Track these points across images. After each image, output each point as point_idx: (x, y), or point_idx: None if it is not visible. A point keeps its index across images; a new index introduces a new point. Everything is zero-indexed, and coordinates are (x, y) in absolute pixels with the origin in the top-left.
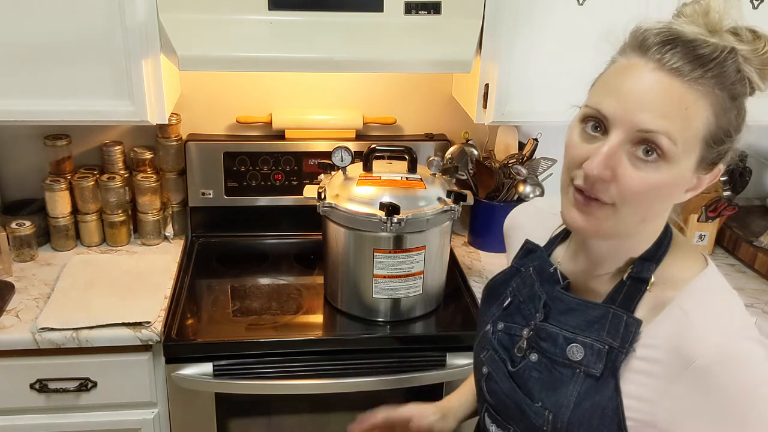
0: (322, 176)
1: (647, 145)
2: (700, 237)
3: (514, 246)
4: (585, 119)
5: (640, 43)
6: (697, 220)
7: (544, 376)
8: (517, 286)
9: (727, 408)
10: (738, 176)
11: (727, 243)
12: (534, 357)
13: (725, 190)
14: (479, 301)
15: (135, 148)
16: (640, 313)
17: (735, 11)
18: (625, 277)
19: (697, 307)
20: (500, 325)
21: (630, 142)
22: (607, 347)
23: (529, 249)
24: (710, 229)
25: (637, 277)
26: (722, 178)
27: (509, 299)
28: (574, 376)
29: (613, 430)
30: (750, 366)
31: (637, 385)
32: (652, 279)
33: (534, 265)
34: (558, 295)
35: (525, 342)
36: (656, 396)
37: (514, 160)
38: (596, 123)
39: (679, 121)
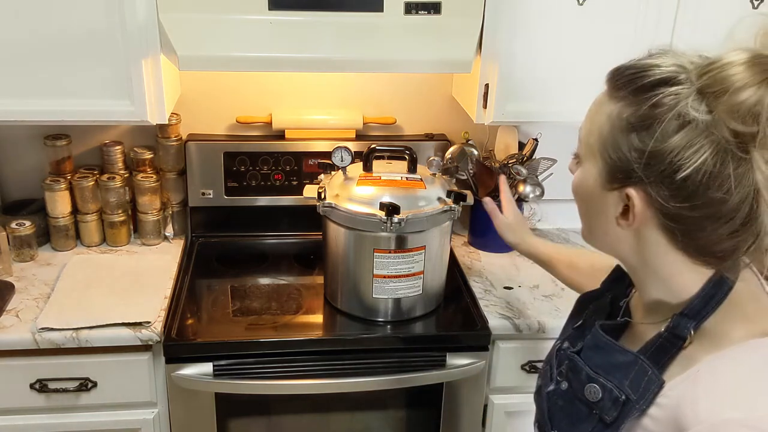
0: (322, 176)
1: None
2: None
3: None
4: None
5: None
6: None
7: (566, 407)
8: (594, 310)
9: None
10: None
11: None
12: (564, 385)
13: None
14: (479, 300)
15: (135, 148)
16: (670, 369)
17: None
18: (663, 329)
19: (710, 378)
20: (566, 344)
21: None
22: (624, 396)
23: (617, 276)
24: None
25: (673, 333)
26: None
27: (581, 320)
28: (590, 416)
29: None
30: None
31: None
32: (691, 338)
33: (614, 294)
34: (594, 330)
35: (564, 367)
36: None
37: (514, 160)
38: None
39: (588, 123)
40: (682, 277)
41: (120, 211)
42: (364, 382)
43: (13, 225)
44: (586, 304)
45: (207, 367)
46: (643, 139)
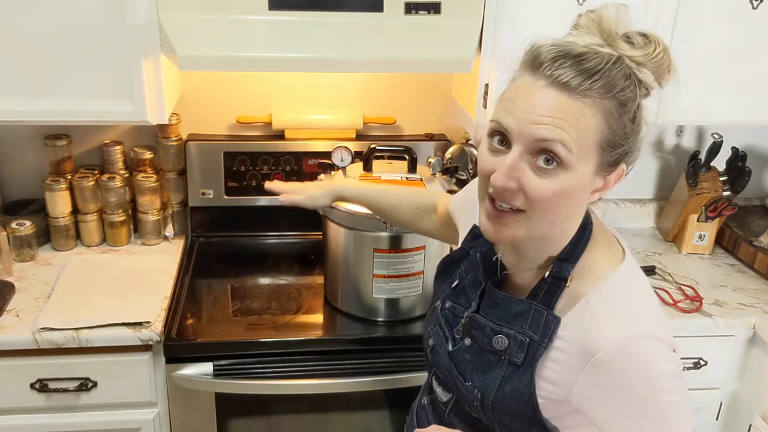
0: (322, 176)
1: (547, 155)
2: (700, 237)
3: (462, 226)
4: (491, 134)
5: (533, 60)
6: (697, 220)
7: (474, 360)
8: (465, 269)
9: (622, 396)
10: (738, 176)
11: (726, 243)
12: (468, 341)
13: (725, 190)
14: None
15: (135, 148)
16: (559, 306)
17: (626, 19)
18: (546, 275)
19: (603, 306)
20: (448, 304)
21: (530, 153)
22: (528, 339)
23: (477, 234)
24: (710, 229)
25: (556, 276)
26: (722, 178)
27: (457, 280)
28: (500, 362)
29: (528, 409)
30: (642, 361)
31: (551, 370)
32: (571, 276)
33: (481, 250)
34: (488, 289)
35: (462, 326)
36: (567, 381)
37: None
38: (501, 137)
39: (572, 131)
40: (573, 225)
41: (120, 211)
42: (365, 382)
43: (14, 225)
44: (453, 265)
45: (207, 367)
46: (633, 111)
